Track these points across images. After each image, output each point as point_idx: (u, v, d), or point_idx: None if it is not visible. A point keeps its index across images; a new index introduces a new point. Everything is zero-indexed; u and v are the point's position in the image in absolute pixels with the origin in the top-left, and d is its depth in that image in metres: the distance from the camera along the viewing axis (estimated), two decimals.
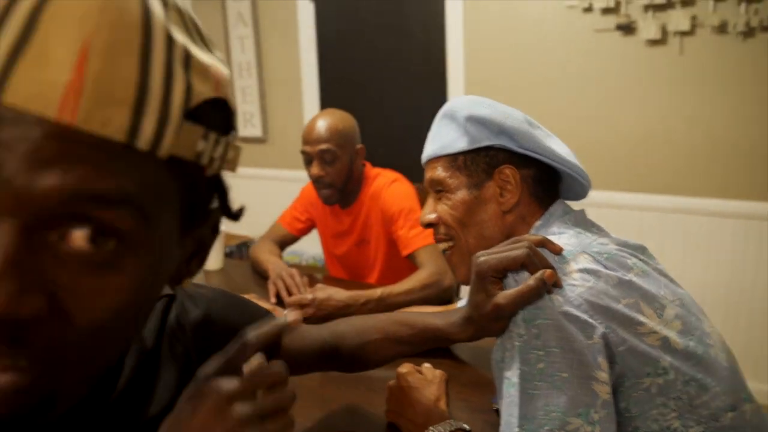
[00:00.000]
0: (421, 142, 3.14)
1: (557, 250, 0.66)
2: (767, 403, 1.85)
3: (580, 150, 2.04)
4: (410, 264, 1.54)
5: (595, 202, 2.09)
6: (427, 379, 0.90)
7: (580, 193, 0.84)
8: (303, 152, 1.57)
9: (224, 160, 0.37)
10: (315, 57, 2.92)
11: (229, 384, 0.41)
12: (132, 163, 0.29)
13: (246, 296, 0.79)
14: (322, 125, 1.55)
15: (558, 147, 0.79)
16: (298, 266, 1.61)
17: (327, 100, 2.93)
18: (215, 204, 0.40)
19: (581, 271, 0.63)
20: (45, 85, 0.27)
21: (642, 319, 0.61)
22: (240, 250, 2.65)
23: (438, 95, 2.58)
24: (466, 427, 0.80)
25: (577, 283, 0.62)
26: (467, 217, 0.80)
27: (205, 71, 0.33)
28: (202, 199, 0.37)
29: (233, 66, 3.15)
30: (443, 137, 0.82)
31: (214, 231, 0.42)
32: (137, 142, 0.29)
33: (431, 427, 0.79)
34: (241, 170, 3.04)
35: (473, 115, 0.78)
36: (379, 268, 1.67)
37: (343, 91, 2.88)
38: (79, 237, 0.28)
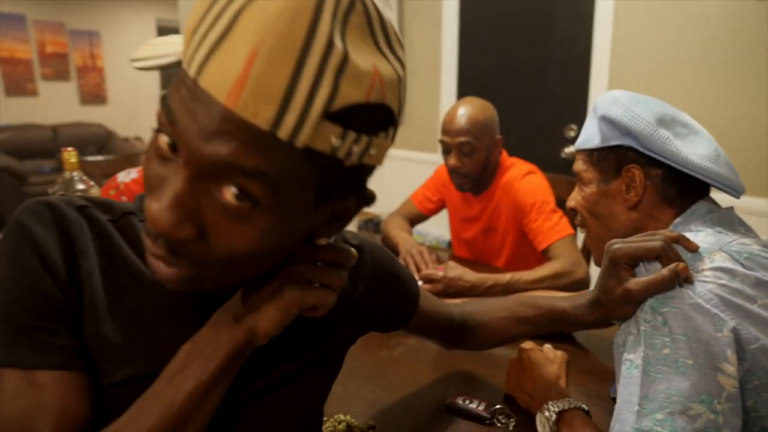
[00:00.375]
0: (559, 133, 3.02)
1: (693, 248, 0.67)
2: None
3: (740, 156, 1.87)
4: (538, 256, 1.53)
5: (756, 211, 1.92)
6: (548, 357, 0.93)
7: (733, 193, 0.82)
8: (442, 142, 1.58)
9: (365, 154, 0.40)
10: (456, 43, 2.95)
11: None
12: (272, 148, 0.36)
13: None
14: (462, 116, 1.53)
15: (695, 149, 0.77)
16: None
17: (465, 87, 2.96)
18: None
19: (715, 269, 0.64)
20: (224, 76, 0.35)
21: None
22: (366, 225, 2.83)
23: (579, 87, 2.51)
24: (584, 407, 0.81)
25: (709, 280, 0.63)
26: (595, 209, 0.87)
27: (359, 77, 0.37)
28: (341, 181, 0.42)
29: None
30: (587, 131, 0.88)
31: (361, 201, 0.47)
32: (279, 132, 0.36)
33: (549, 403, 0.82)
34: None
35: (605, 114, 0.81)
36: (506, 257, 1.68)
37: (481, 80, 2.89)
38: (228, 193, 0.38)
